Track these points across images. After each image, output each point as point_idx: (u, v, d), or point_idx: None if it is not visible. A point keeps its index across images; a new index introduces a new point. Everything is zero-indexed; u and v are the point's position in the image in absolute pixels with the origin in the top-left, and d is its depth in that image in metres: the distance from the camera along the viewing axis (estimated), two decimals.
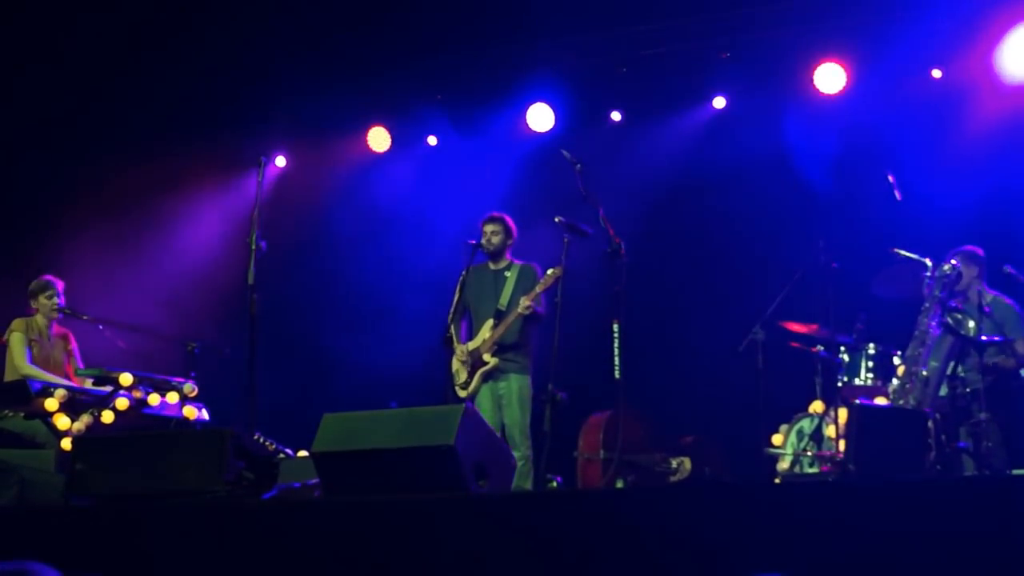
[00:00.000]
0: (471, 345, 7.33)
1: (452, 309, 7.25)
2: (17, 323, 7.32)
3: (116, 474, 5.04)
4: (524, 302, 7.12)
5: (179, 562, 4.40)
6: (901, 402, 6.25)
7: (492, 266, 7.49)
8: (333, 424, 4.99)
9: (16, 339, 7.24)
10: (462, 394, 7.24)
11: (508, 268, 7.45)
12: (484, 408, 7.12)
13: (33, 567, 2.04)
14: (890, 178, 6.97)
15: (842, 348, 7.10)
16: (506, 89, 9.09)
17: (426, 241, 9.25)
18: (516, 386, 7.23)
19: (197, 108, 9.23)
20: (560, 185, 7.72)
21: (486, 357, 7.24)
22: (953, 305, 6.39)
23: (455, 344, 7.33)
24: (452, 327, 7.22)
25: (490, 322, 7.30)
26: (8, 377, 7.17)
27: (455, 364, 7.35)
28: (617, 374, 6.38)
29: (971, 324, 6.31)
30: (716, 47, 8.57)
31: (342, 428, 4.97)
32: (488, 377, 7.25)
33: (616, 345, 6.36)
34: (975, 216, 7.63)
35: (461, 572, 4.06)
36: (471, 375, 7.26)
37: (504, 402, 7.23)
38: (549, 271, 7.06)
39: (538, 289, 7.14)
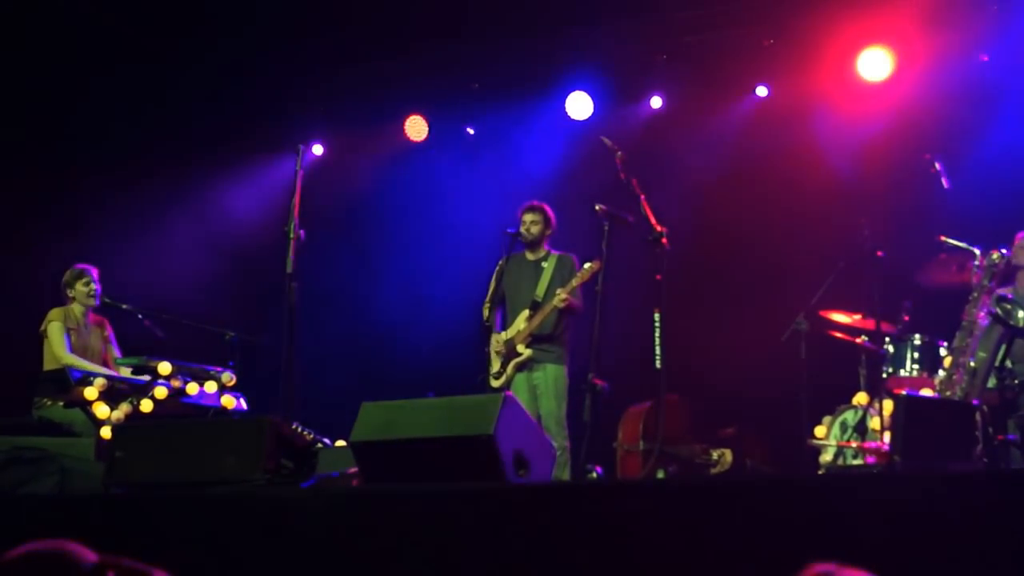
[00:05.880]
0: (506, 335, 7.28)
1: (488, 297, 7.21)
2: (54, 312, 7.27)
3: (155, 462, 5.03)
4: (561, 295, 7.05)
5: (217, 550, 4.39)
6: (948, 393, 6.13)
7: (530, 256, 7.43)
8: (371, 413, 4.96)
9: (55, 328, 7.21)
10: (495, 384, 7.20)
11: (546, 258, 7.39)
12: (520, 398, 7.06)
13: (69, 547, 2.01)
14: (936, 165, 6.83)
15: (887, 339, 6.98)
16: (544, 77, 9.03)
17: (464, 230, 9.21)
18: (552, 376, 7.18)
19: (235, 96, 9.24)
20: (600, 173, 7.65)
21: (520, 348, 7.19)
22: (1002, 295, 6.27)
23: (492, 333, 7.29)
24: (489, 317, 7.18)
25: (526, 312, 7.25)
26: (48, 366, 7.17)
27: (491, 353, 7.31)
28: (658, 364, 6.29)
29: (1020, 314, 6.16)
30: (759, 34, 8.47)
31: (380, 417, 4.94)
32: (523, 367, 7.20)
33: (657, 335, 6.27)
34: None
35: (500, 562, 4.02)
36: (504, 365, 7.22)
37: (539, 392, 7.18)
38: (587, 264, 6.98)
39: (575, 283, 7.07)
